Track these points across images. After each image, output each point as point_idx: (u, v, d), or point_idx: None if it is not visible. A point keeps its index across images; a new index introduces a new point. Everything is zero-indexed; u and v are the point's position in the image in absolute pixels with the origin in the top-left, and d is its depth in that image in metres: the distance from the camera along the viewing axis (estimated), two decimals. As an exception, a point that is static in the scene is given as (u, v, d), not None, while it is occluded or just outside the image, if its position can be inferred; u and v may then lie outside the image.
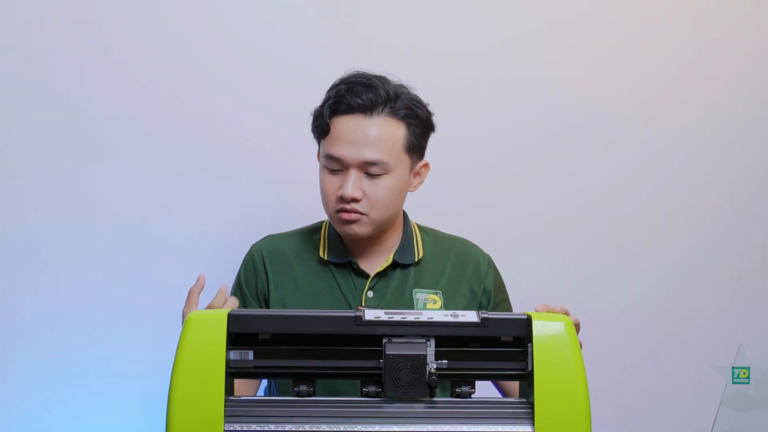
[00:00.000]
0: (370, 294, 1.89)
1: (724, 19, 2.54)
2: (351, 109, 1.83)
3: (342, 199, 1.82)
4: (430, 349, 1.40)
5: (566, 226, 2.51)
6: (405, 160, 1.86)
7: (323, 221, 1.98)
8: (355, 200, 1.82)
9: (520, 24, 2.49)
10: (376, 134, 1.82)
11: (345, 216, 1.83)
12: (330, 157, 1.83)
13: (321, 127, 1.85)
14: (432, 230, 2.01)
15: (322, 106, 1.86)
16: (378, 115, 1.83)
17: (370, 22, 2.44)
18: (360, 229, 1.85)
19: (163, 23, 2.37)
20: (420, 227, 1.99)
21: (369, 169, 1.82)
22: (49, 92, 2.33)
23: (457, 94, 2.44)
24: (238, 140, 2.39)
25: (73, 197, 2.34)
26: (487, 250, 2.00)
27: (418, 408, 1.40)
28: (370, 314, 1.41)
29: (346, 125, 1.83)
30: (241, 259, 1.97)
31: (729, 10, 2.54)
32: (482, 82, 2.47)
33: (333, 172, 1.84)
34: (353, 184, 1.81)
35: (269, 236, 1.98)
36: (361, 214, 1.83)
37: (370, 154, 1.81)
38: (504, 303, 1.98)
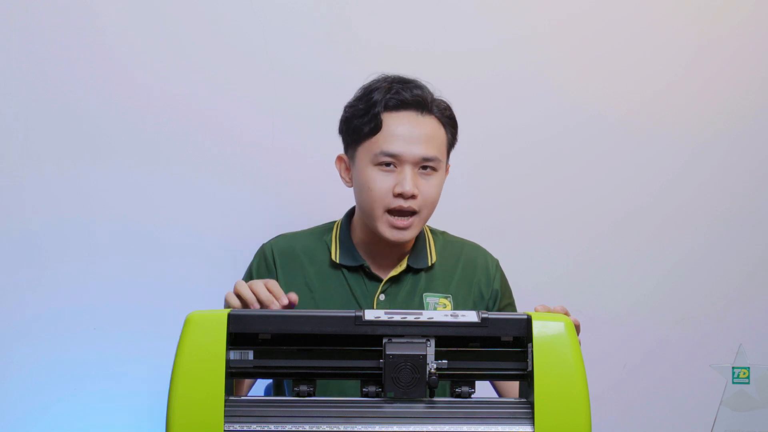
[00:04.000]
0: (382, 297, 1.89)
1: (726, 20, 2.54)
2: (404, 106, 1.82)
3: (400, 196, 1.80)
4: (430, 349, 1.40)
5: (566, 227, 2.50)
6: (445, 160, 1.88)
7: (335, 222, 1.97)
8: (413, 197, 1.81)
9: (523, 23, 2.48)
10: (429, 131, 1.83)
11: (399, 223, 1.81)
12: (385, 154, 1.80)
13: (371, 125, 1.81)
14: (442, 233, 2.00)
15: (367, 104, 1.83)
16: (428, 113, 1.84)
17: (371, 22, 2.43)
18: (410, 234, 1.84)
19: (163, 23, 2.37)
20: (431, 230, 1.99)
21: (424, 165, 1.82)
22: (49, 92, 2.33)
23: (458, 95, 2.43)
24: (238, 141, 2.39)
25: (73, 197, 2.34)
26: (487, 250, 2.00)
27: (418, 408, 1.40)
28: (370, 314, 1.41)
29: (400, 121, 1.82)
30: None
31: (731, 10, 2.54)
32: (484, 82, 2.47)
33: (385, 169, 1.81)
34: (411, 180, 1.80)
35: (281, 236, 1.97)
36: (414, 213, 1.82)
37: (427, 151, 1.81)
38: (509, 308, 1.98)
